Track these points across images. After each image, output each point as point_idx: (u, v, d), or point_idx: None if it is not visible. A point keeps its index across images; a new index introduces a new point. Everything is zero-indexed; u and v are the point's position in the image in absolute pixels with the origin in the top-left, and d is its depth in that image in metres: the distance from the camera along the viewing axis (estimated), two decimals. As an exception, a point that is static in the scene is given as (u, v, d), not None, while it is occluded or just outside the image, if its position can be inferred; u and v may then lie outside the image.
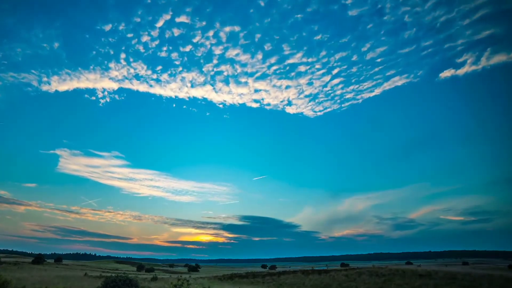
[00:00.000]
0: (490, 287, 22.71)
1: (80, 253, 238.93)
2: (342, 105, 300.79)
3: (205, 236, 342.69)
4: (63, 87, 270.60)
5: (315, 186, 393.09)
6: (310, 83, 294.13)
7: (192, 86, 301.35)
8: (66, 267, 49.96)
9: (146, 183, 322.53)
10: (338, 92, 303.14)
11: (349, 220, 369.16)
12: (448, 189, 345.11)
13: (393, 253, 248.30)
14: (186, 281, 16.19)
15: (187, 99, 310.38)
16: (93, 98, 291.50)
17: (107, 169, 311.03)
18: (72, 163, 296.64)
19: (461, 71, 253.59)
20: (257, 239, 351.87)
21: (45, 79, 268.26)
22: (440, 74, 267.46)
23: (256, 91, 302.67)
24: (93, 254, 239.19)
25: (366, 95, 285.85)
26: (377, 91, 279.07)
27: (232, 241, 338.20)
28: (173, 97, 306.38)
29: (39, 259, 49.55)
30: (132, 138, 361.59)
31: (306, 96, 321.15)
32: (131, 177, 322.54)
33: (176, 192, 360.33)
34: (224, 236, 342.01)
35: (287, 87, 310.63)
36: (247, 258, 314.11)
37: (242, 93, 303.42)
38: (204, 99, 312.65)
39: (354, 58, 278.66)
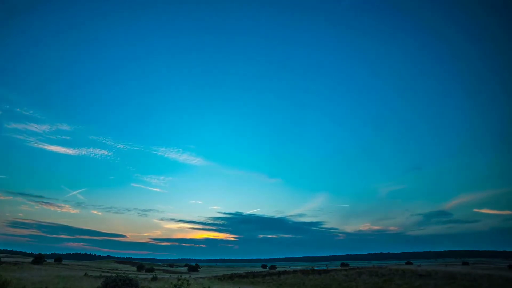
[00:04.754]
0: (490, 287, 22.73)
1: (80, 253, 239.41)
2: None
3: (202, 234, 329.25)
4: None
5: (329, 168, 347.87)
6: None
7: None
8: (66, 267, 49.94)
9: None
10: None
11: (368, 213, 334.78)
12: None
13: (392, 253, 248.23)
14: (186, 281, 16.19)
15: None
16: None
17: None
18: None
19: None
20: (260, 236, 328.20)
21: None
22: None
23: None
24: (93, 254, 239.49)
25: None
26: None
27: (231, 238, 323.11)
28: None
29: (39, 259, 49.50)
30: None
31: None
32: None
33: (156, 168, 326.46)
34: (224, 232, 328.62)
35: None
36: (248, 258, 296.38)
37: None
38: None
39: None
